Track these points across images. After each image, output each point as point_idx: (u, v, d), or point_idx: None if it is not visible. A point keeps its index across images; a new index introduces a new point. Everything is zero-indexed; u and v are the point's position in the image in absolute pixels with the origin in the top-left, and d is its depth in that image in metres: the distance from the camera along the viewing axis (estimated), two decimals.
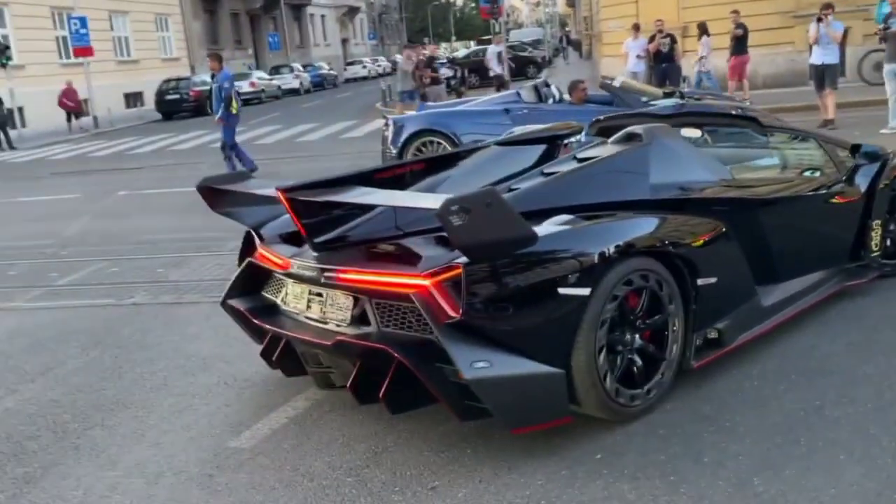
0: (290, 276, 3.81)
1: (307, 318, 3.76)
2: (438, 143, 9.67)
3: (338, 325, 3.59)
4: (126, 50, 35.73)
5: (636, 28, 16.43)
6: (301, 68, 42.41)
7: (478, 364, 3.15)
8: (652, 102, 9.31)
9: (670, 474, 3.15)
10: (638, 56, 16.08)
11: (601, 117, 5.04)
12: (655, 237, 3.62)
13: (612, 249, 3.42)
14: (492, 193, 3.11)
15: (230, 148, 12.81)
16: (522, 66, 29.98)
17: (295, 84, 39.72)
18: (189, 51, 40.39)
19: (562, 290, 3.29)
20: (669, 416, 3.62)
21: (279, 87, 37.98)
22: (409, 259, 3.47)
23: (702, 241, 3.80)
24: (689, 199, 4.04)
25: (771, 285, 4.30)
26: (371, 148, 15.20)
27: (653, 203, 3.90)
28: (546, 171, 4.16)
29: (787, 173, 4.86)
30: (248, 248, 4.36)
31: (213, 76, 13.08)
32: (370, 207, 3.83)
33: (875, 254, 4.95)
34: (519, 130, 4.98)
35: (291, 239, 4.11)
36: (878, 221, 4.92)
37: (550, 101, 9.95)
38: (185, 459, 3.67)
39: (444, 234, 3.51)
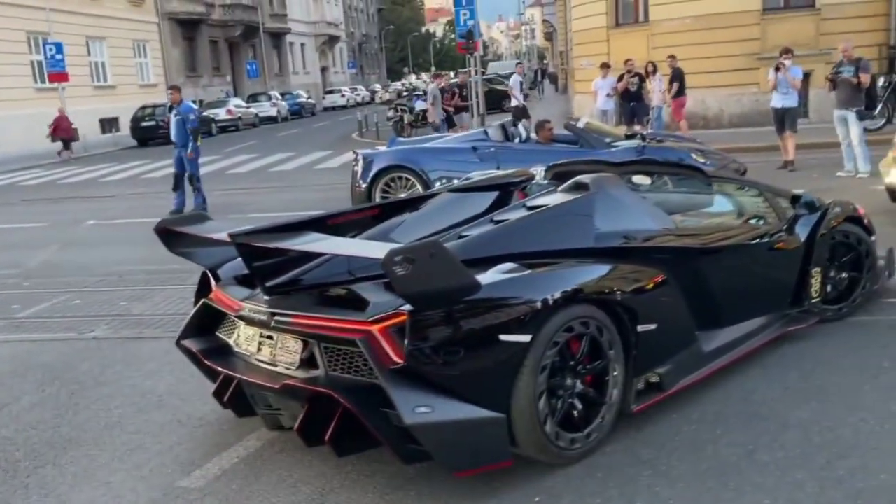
0: (241, 318, 3.90)
1: (258, 360, 3.85)
2: (407, 179, 9.82)
3: (287, 368, 3.68)
4: (103, 75, 35.75)
5: (605, 67, 16.74)
6: (279, 96, 42.59)
7: (419, 409, 3.25)
8: (615, 144, 9.57)
9: None
10: (607, 94, 16.37)
11: (557, 163, 5.19)
12: (596, 285, 3.75)
13: (553, 297, 3.55)
14: (435, 244, 3.23)
15: (197, 180, 12.92)
16: (498, 99, 30.31)
17: (272, 112, 39.86)
18: (167, 77, 40.40)
19: (503, 337, 3.41)
20: (609, 458, 3.73)
21: (256, 114, 38.08)
22: (356, 304, 3.57)
23: (642, 289, 3.93)
24: (631, 247, 4.18)
25: (713, 330, 4.44)
26: (344, 180, 15.34)
27: (597, 251, 4.04)
28: (496, 218, 4.30)
29: (731, 221, 5.03)
30: (203, 288, 4.44)
31: (170, 108, 13.16)
32: (307, 256, 3.94)
33: (815, 300, 5.11)
34: (477, 176, 5.13)
35: (246, 281, 4.21)
36: (818, 269, 5.09)
37: (517, 140, 10.14)
38: (133, 499, 3.72)
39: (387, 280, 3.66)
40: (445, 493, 3.54)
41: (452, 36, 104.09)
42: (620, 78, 16.21)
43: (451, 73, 21.11)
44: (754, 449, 3.72)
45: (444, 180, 9.64)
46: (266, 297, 3.78)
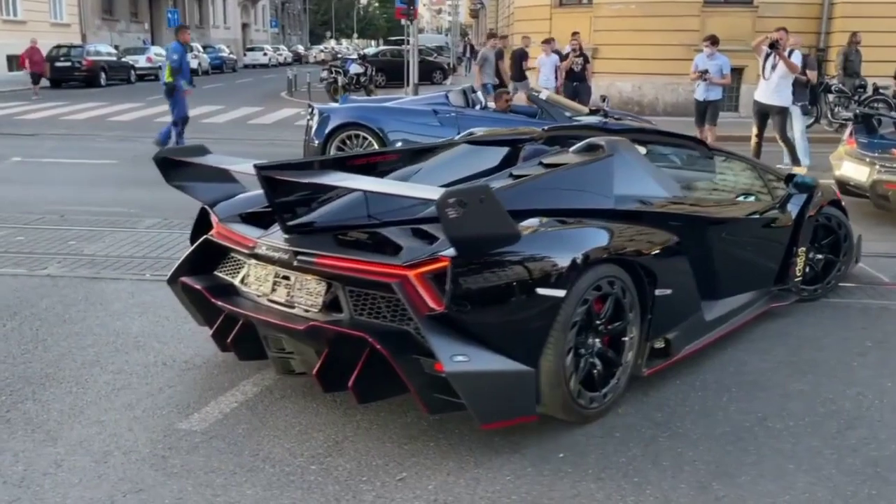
0: (255, 256, 3.71)
1: (271, 301, 3.68)
2: (364, 138, 9.60)
3: (306, 311, 3.53)
4: (13, 9, 33.75)
5: (548, 42, 16.72)
6: (201, 49, 41.14)
7: (457, 358, 3.16)
8: (575, 118, 9.60)
9: (633, 476, 3.25)
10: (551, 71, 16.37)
11: (554, 126, 5.14)
12: (624, 246, 3.73)
13: (587, 254, 3.51)
14: (485, 189, 3.13)
15: (174, 123, 12.44)
16: (429, 71, 30.11)
17: (193, 64, 38.41)
18: (81, 17, 38.55)
19: (540, 291, 3.35)
20: (624, 420, 3.73)
21: None
22: (387, 249, 3.44)
23: (663, 254, 3.93)
24: (648, 211, 4.17)
25: (712, 301, 4.49)
26: (282, 136, 15.01)
27: (617, 213, 4.02)
28: (515, 173, 4.22)
29: (729, 196, 5.09)
30: (202, 225, 4.22)
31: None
32: (342, 193, 3.79)
33: (797, 279, 5.24)
34: (479, 131, 5.02)
35: (252, 219, 4.02)
36: (803, 248, 5.22)
37: (477, 106, 10.05)
38: (132, 439, 3.51)
39: (421, 225, 3.54)
40: (465, 446, 3.47)
41: (377, 4, 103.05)
42: (565, 57, 16.26)
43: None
44: (764, 417, 3.78)
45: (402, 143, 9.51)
46: (285, 236, 3.60)
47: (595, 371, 3.67)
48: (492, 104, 10.38)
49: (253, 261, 3.79)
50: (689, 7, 18.55)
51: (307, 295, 3.54)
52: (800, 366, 4.41)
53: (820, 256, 5.52)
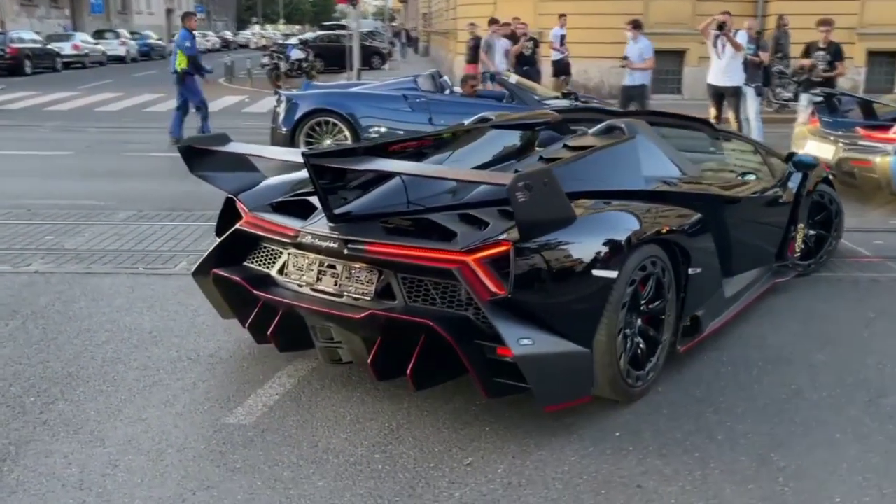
0: (298, 246, 3.64)
1: (315, 290, 3.62)
2: (334, 125, 9.47)
3: (356, 299, 3.49)
4: None
5: (494, 22, 16.66)
6: (128, 35, 39.94)
7: (524, 341, 3.18)
8: (545, 101, 9.67)
9: (692, 451, 3.33)
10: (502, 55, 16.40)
11: (561, 109, 5.17)
12: (664, 226, 3.78)
13: (635, 235, 3.56)
14: (549, 172, 3.15)
15: (197, 108, 12.25)
16: (368, 56, 29.86)
17: (121, 51, 37.36)
18: None
19: (595, 272, 3.38)
20: (666, 397, 3.81)
21: (104, 52, 35.56)
22: (438, 234, 3.42)
23: (695, 233, 4.01)
24: (674, 192, 4.25)
25: (728, 278, 4.60)
26: (235, 124, 14.69)
27: (647, 194, 4.08)
28: (545, 156, 4.24)
29: (738, 175, 5.21)
30: (227, 215, 4.13)
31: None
32: (381, 181, 3.74)
33: (796, 255, 5.41)
34: (490, 115, 5.01)
35: (283, 208, 3.95)
36: (802, 225, 5.39)
37: (446, 91, 10.02)
38: (181, 436, 3.42)
39: (468, 210, 3.54)
40: (520, 429, 3.49)
41: None
42: (514, 40, 16.31)
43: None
44: (798, 389, 3.90)
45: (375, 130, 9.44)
46: (331, 224, 3.55)
47: (639, 350, 3.73)
48: (457, 89, 10.36)
49: (293, 250, 3.72)
50: None
51: (357, 283, 3.50)
52: (815, 338, 4.56)
53: (812, 232, 5.70)
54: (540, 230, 3.21)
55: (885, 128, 7.84)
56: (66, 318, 4.79)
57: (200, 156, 4.02)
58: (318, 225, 3.61)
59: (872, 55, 19.08)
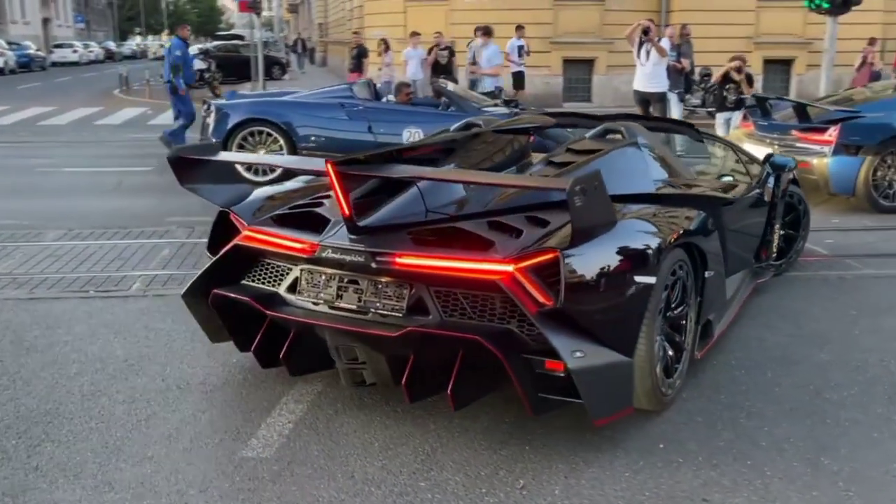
0: (315, 261, 3.38)
1: (334, 308, 3.37)
2: (269, 135, 9.08)
3: (384, 316, 3.26)
4: None
5: (415, 35, 16.63)
6: (6, 45, 37.80)
7: (577, 353, 3.02)
8: (485, 109, 9.57)
9: (743, 458, 3.24)
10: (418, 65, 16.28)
11: (551, 114, 5.05)
12: (688, 229, 3.70)
13: (669, 239, 3.46)
14: (598, 176, 3.01)
15: (176, 118, 11.52)
16: (268, 66, 29.17)
17: None
18: None
19: (637, 278, 3.26)
20: (694, 404, 3.72)
21: None
22: (473, 244, 3.22)
23: (708, 236, 3.94)
24: (681, 194, 4.18)
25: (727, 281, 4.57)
26: (146, 136, 13.96)
27: (658, 197, 3.99)
28: (553, 160, 4.10)
29: (724, 177, 5.21)
30: (223, 229, 3.81)
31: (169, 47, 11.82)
32: (398, 190, 3.52)
33: (773, 255, 5.46)
34: (476, 121, 4.84)
35: (289, 221, 3.67)
36: (778, 226, 5.44)
37: (384, 98, 9.79)
38: (199, 474, 3.11)
39: (500, 218, 3.37)
40: (561, 447, 3.33)
41: None
42: (430, 50, 16.23)
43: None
44: (817, 390, 3.88)
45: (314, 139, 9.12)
46: (352, 236, 3.30)
47: (669, 357, 3.63)
48: (390, 97, 10.15)
49: (308, 266, 3.45)
50: (541, 1, 19.04)
51: (385, 299, 3.27)
52: (810, 338, 4.58)
53: (782, 233, 5.77)
54: (587, 236, 3.07)
55: (821, 130, 8.08)
56: (24, 350, 4.34)
57: (190, 167, 3.69)
58: (338, 237, 3.35)
59: (768, 63, 19.90)
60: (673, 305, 3.63)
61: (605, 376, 3.14)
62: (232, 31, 52.42)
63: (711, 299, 4.05)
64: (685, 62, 12.18)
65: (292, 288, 3.51)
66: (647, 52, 11.29)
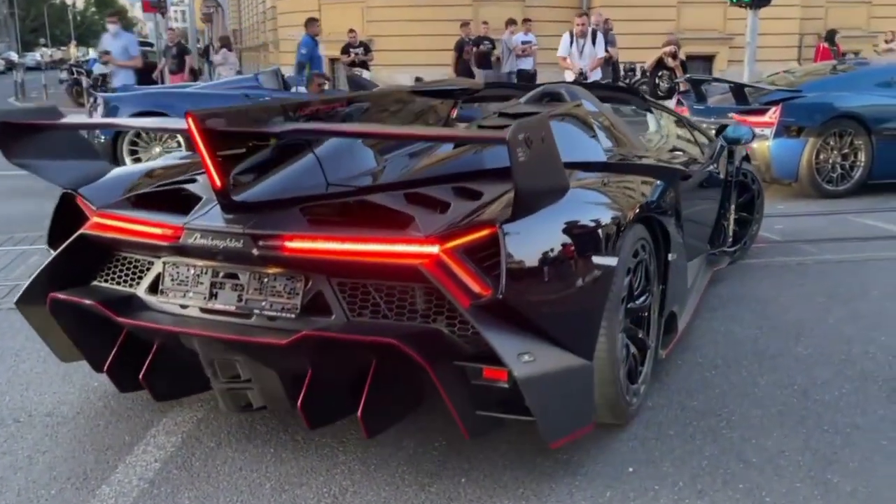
0: (180, 251, 2.59)
1: (208, 311, 2.58)
2: None
3: (272, 318, 2.49)
4: None
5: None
6: None
7: (524, 357, 2.31)
8: None
9: (733, 481, 2.58)
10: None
11: (489, 82, 4.37)
12: (648, 202, 3.04)
13: (629, 213, 2.79)
14: (545, 124, 2.31)
15: None
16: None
17: None
18: None
19: (595, 259, 2.57)
20: (663, 413, 3.05)
21: None
22: (387, 221, 2.49)
23: (669, 210, 3.29)
24: (635, 164, 3.54)
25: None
26: None
27: (610, 166, 3.34)
28: (482, 124, 3.39)
29: (679, 150, 4.59)
30: (66, 217, 2.99)
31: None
32: (289, 157, 2.76)
33: (728, 240, 4.88)
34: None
35: (150, 202, 2.87)
36: (733, 207, 4.86)
37: (293, 88, 8.98)
38: None
39: (417, 189, 2.66)
40: (507, 475, 2.62)
41: (94, 9, 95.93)
42: (345, 50, 15.50)
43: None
44: (803, 389, 3.27)
45: None
46: (228, 216, 2.53)
47: (634, 358, 2.96)
48: (302, 88, 9.36)
49: (171, 257, 2.66)
50: None
51: (273, 296, 2.50)
52: (783, 329, 3.99)
53: (736, 216, 5.20)
54: (533, 202, 2.37)
55: (761, 112, 7.61)
56: None
57: (21, 135, 2.86)
58: (209, 218, 2.58)
59: (690, 58, 19.67)
60: (636, 294, 2.95)
61: (561, 385, 2.43)
62: (141, 39, 50.63)
63: (676, 287, 3.40)
64: (612, 51, 11.69)
65: (154, 288, 2.72)
66: (582, 45, 10.76)
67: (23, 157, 2.88)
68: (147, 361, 2.69)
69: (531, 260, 2.38)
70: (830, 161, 7.53)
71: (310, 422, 2.50)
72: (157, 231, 2.63)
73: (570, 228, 2.52)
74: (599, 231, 2.62)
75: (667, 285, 3.26)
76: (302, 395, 2.43)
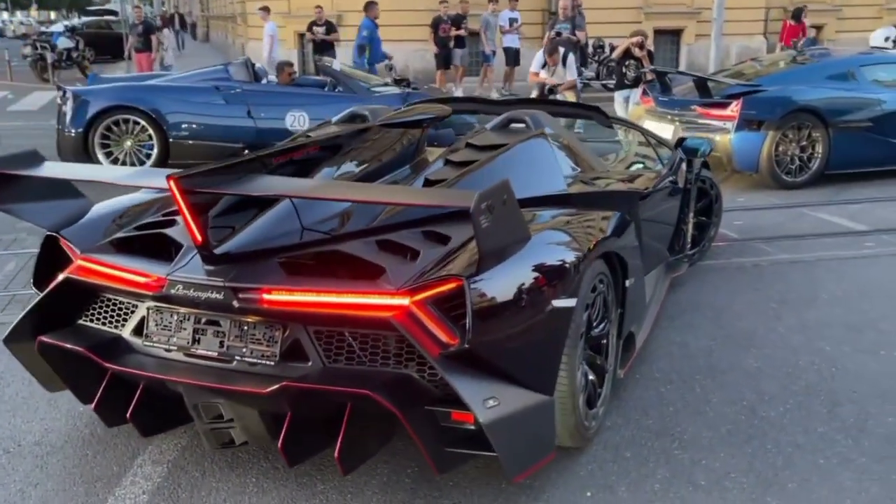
0: (164, 299, 2.73)
1: (190, 356, 2.74)
2: (136, 123, 8.19)
3: (252, 364, 2.66)
4: None
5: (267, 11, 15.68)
6: None
7: (489, 402, 2.50)
8: (374, 88, 8.96)
9: None
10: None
11: (443, 100, 4.50)
12: (606, 236, 3.22)
13: (588, 251, 2.98)
14: (507, 188, 2.47)
15: None
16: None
17: None
18: None
19: (555, 303, 2.75)
20: (619, 433, 3.27)
21: None
22: (360, 272, 2.65)
23: (626, 239, 3.48)
24: (595, 192, 3.71)
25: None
26: (3, 125, 12.74)
27: (570, 197, 3.51)
28: (451, 159, 3.54)
29: (639, 166, 4.77)
30: (52, 260, 3.11)
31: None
32: (265, 206, 2.90)
33: (688, 245, 5.09)
34: (362, 110, 4.22)
35: (132, 245, 3.00)
36: (692, 214, 5.06)
37: (264, 80, 9.01)
38: None
39: (387, 236, 2.82)
40: (475, 500, 2.81)
41: None
42: (309, 27, 15.41)
43: None
44: (750, 406, 3.50)
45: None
46: (209, 268, 2.67)
47: (592, 384, 3.16)
48: (272, 78, 9.39)
49: (154, 304, 2.80)
50: None
51: (253, 343, 2.66)
52: (736, 339, 4.22)
53: (695, 220, 5.40)
54: (496, 258, 2.54)
55: (723, 105, 7.81)
56: None
57: (7, 182, 2.96)
58: (190, 270, 2.71)
59: (658, 33, 19.82)
60: (594, 325, 3.15)
61: (524, 424, 2.63)
62: (105, 7, 49.63)
63: (634, 309, 3.60)
64: (580, 34, 11.81)
65: (139, 331, 2.86)
66: (552, 73, 10.84)
67: (3, 202, 2.99)
68: (133, 401, 2.84)
69: (495, 309, 2.56)
70: (789, 153, 7.77)
71: (290, 461, 2.67)
72: (141, 280, 2.77)
73: (532, 276, 2.70)
74: (559, 274, 2.80)
75: (625, 309, 3.46)
76: (282, 437, 2.60)
